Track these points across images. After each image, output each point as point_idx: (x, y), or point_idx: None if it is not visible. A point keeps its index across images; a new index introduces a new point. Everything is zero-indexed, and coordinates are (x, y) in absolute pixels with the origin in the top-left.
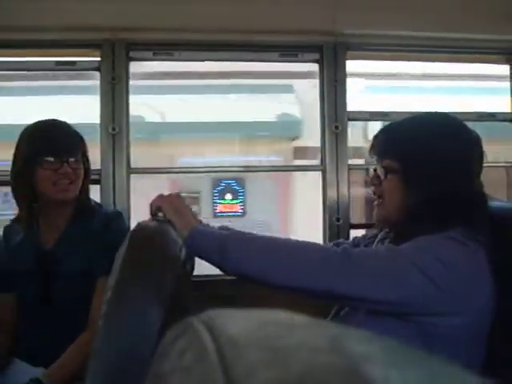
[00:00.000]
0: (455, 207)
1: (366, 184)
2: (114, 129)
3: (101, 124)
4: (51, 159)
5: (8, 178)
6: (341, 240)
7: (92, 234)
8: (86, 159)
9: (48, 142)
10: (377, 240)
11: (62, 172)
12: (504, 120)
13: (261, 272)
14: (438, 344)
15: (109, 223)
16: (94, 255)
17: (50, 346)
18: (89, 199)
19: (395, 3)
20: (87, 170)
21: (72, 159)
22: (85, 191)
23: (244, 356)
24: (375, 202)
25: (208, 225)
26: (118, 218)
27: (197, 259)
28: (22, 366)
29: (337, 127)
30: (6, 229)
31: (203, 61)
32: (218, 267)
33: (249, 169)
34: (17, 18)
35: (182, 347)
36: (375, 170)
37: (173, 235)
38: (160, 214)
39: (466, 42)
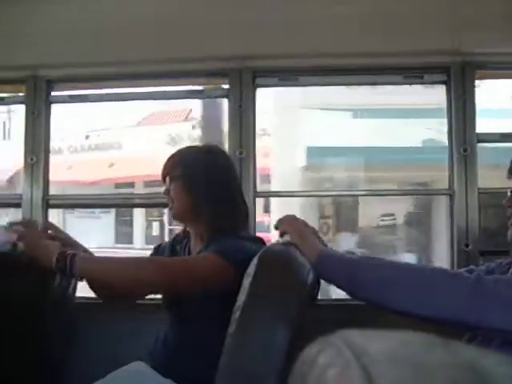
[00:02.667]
0: None
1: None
2: (241, 153)
3: (228, 149)
4: None
5: None
6: (473, 267)
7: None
8: (183, 180)
9: None
10: None
11: None
12: None
13: (388, 298)
14: None
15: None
16: None
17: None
18: (218, 225)
19: None
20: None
21: (164, 183)
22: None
23: (389, 372)
24: (509, 223)
25: (334, 249)
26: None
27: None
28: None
29: (465, 149)
30: (177, 236)
31: (327, 85)
32: (346, 291)
33: (373, 192)
34: (151, 51)
35: (325, 363)
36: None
37: (300, 259)
38: (286, 237)
39: None
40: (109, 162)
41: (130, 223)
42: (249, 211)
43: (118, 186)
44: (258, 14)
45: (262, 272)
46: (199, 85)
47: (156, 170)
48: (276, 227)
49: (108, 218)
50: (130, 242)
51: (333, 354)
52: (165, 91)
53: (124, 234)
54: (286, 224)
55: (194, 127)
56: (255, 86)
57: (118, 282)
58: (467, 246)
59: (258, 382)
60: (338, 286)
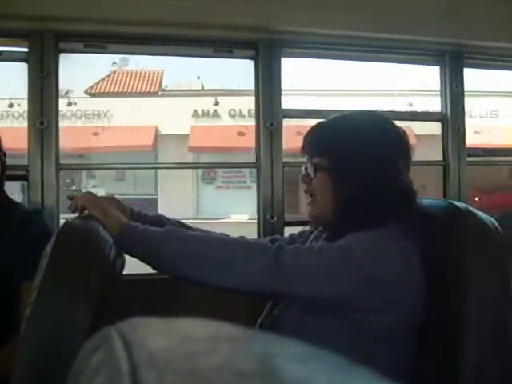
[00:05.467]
0: (381, 204)
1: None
2: (42, 123)
3: (28, 118)
4: None
5: None
6: (277, 236)
7: (10, 232)
8: (1, 153)
9: None
10: (311, 237)
11: None
12: (436, 120)
13: (192, 271)
14: (371, 340)
15: (27, 221)
16: (14, 257)
17: None
18: (4, 195)
19: (332, 2)
20: (3, 164)
21: None
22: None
23: (161, 380)
24: (308, 200)
25: (138, 224)
26: (37, 216)
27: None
28: None
29: (271, 124)
30: None
31: (136, 54)
32: (150, 264)
33: (183, 165)
34: None
35: (97, 364)
36: (306, 169)
37: (102, 233)
38: (86, 212)
39: (399, 42)
40: None
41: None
42: None
43: None
44: None
45: (59, 249)
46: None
47: None
48: (71, 205)
49: None
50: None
51: (106, 354)
52: None
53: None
54: (84, 199)
55: None
56: (58, 51)
57: None
58: (272, 217)
59: (56, 367)
60: (142, 260)
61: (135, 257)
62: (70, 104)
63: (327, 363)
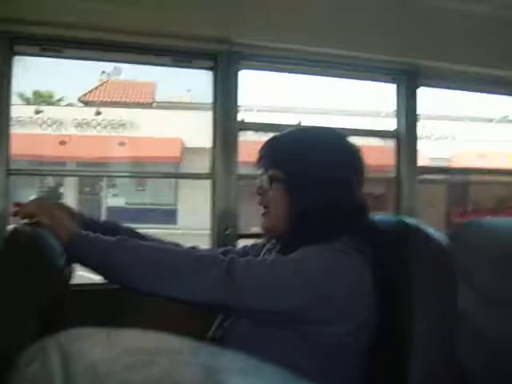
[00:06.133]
0: (335, 217)
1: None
2: None
3: None
4: None
5: None
6: (230, 247)
7: None
8: None
9: None
10: (264, 250)
11: None
12: (388, 136)
13: (143, 282)
14: (324, 351)
15: None
16: None
17: None
18: None
19: (291, 17)
20: None
21: None
22: None
23: None
24: (262, 212)
25: (89, 232)
26: None
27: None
28: None
29: (227, 136)
30: None
31: (95, 60)
32: (100, 274)
33: (137, 174)
34: None
35: (32, 375)
36: (261, 181)
37: (50, 241)
38: (34, 220)
39: (355, 59)
40: None
41: None
42: None
43: None
44: None
45: (5, 256)
46: None
47: None
48: (16, 212)
49: None
50: None
51: (41, 365)
52: None
53: None
54: (33, 205)
55: None
56: (13, 53)
57: None
58: (226, 229)
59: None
60: (92, 269)
61: (85, 266)
62: (98, 113)
63: (271, 378)
